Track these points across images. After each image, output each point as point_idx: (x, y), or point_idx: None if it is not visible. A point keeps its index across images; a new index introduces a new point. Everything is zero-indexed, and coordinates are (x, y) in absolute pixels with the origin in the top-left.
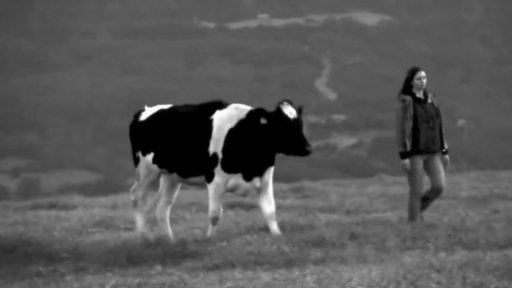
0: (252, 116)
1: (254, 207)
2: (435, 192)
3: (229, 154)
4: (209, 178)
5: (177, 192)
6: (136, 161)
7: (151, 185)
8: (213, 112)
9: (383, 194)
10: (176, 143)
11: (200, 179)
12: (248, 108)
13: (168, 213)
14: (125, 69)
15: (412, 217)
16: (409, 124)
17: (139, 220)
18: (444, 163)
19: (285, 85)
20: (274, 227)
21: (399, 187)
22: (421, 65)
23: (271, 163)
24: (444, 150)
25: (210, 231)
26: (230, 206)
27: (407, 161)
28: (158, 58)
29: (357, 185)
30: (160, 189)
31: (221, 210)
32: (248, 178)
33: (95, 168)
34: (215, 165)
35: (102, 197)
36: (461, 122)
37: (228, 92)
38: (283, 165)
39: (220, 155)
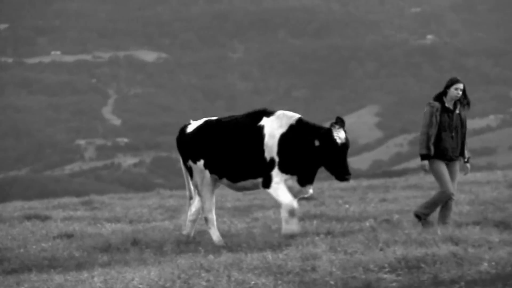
0: (300, 123)
1: (48, 217)
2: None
3: (285, 157)
4: (267, 182)
5: (213, 199)
6: (190, 171)
7: (212, 193)
8: (260, 119)
9: (160, 205)
10: (227, 150)
11: (249, 183)
12: (296, 115)
13: (197, 215)
14: None
15: (428, 209)
16: (434, 130)
17: (214, 234)
18: (464, 170)
19: (75, 112)
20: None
21: (175, 199)
22: (192, 96)
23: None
24: (466, 159)
25: (291, 225)
26: (27, 217)
27: (426, 162)
28: None
29: (138, 198)
30: (194, 193)
31: (295, 200)
32: (302, 183)
33: None
34: (272, 168)
35: None
36: None
37: (25, 118)
38: (75, 182)
39: (276, 159)
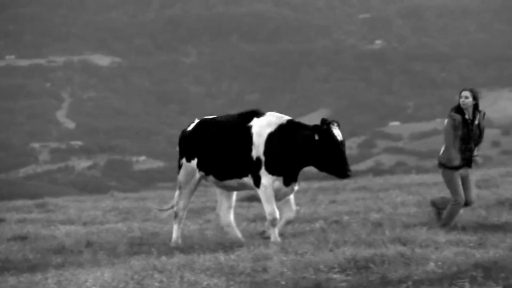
0: (290, 124)
1: (2, 220)
2: (465, 204)
3: (271, 156)
4: (257, 182)
5: (235, 197)
6: (179, 168)
7: (192, 194)
8: (251, 119)
9: (114, 208)
10: (216, 148)
11: (234, 182)
12: (286, 116)
13: (232, 217)
14: None
15: (447, 221)
16: (457, 143)
17: (176, 232)
18: (475, 164)
19: (29, 116)
20: (280, 225)
21: (129, 201)
22: (145, 99)
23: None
24: (474, 156)
25: (273, 235)
26: None
27: (477, 157)
28: None
29: (92, 200)
30: (218, 198)
31: (277, 211)
32: (287, 182)
33: None
34: (259, 168)
35: None
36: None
37: None
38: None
39: (263, 158)
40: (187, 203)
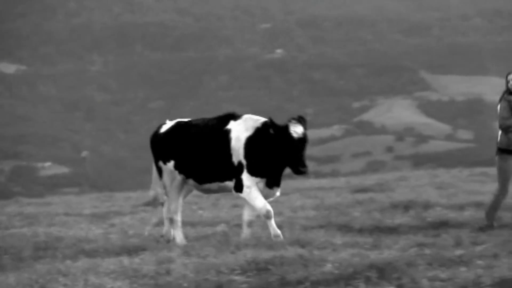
0: (266, 126)
1: None
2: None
3: (252, 160)
4: (238, 186)
5: (181, 201)
6: (160, 171)
7: (179, 194)
8: (228, 123)
9: (19, 213)
10: (195, 152)
11: (215, 185)
12: (262, 118)
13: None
14: None
15: (490, 216)
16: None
17: (179, 236)
18: None
19: None
20: (274, 223)
21: (33, 207)
22: (51, 107)
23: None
24: None
25: (271, 228)
26: None
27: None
28: None
29: None
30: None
31: (267, 203)
32: (270, 185)
33: None
34: (241, 172)
35: None
36: (84, 153)
37: None
38: None
39: (244, 162)
40: (178, 205)
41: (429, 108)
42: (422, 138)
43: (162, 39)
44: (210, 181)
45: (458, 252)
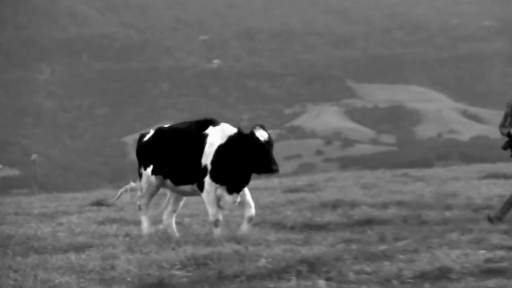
0: (237, 135)
1: None
2: None
3: (217, 166)
4: (201, 187)
5: (182, 203)
6: (140, 176)
7: (153, 195)
8: (206, 128)
9: None
10: (172, 154)
11: (188, 188)
12: (235, 129)
13: (173, 220)
14: None
15: (504, 209)
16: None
17: (145, 222)
18: None
19: None
20: (246, 228)
21: None
22: (2, 113)
23: (247, 182)
24: None
25: (216, 234)
26: None
27: None
28: None
29: None
30: (167, 199)
31: (220, 213)
32: (230, 191)
33: None
34: (205, 175)
35: None
36: (34, 156)
37: None
38: None
39: (209, 167)
40: (148, 201)
41: (355, 114)
42: (349, 142)
43: (106, 50)
44: (185, 183)
45: (382, 247)
